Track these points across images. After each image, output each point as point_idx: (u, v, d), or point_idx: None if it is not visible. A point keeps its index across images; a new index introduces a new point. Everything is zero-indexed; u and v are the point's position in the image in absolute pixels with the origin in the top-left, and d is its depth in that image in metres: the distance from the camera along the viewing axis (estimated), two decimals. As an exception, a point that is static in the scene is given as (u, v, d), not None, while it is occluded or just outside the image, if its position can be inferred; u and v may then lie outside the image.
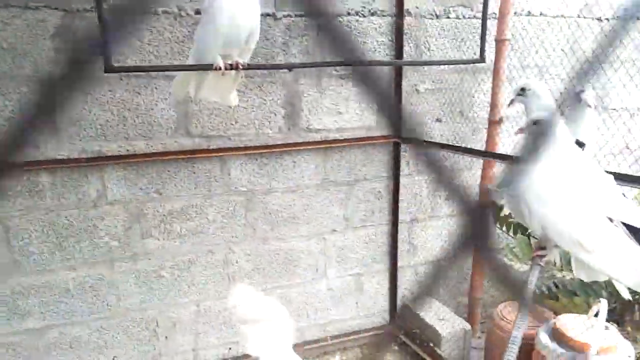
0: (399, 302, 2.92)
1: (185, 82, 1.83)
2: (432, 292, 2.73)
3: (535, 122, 1.18)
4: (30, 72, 2.00)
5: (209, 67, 1.64)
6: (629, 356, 1.59)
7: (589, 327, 1.59)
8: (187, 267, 2.45)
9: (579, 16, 2.78)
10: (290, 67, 2.02)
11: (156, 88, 2.18)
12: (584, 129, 1.56)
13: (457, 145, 2.25)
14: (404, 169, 2.69)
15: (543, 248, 1.34)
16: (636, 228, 1.17)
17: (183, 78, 1.82)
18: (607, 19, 2.80)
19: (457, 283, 2.99)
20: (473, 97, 2.64)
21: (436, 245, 2.93)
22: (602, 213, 1.17)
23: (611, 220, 1.18)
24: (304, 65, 2.10)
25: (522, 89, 1.30)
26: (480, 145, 2.62)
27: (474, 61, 1.70)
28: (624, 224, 1.18)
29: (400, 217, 2.75)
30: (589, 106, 1.53)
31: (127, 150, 2.22)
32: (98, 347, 2.39)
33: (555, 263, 2.19)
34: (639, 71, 2.42)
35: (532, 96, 1.28)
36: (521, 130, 1.23)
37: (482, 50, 1.72)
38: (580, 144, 1.49)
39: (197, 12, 2.10)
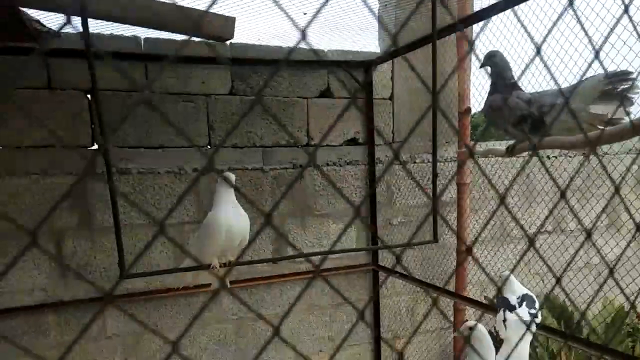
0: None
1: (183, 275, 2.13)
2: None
3: (489, 56, 1.59)
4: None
5: (206, 268, 1.90)
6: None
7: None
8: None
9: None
10: (274, 261, 2.33)
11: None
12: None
13: (428, 282, 2.50)
14: (384, 292, 2.90)
15: None
16: None
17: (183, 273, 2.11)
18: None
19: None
20: (442, 226, 2.92)
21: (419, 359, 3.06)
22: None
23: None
24: (282, 258, 2.45)
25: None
26: (452, 269, 2.87)
27: (429, 242, 2.01)
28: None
29: (383, 335, 2.92)
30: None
31: (127, 289, 2.43)
32: None
33: None
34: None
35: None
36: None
37: (435, 233, 2.04)
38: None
39: (195, 170, 2.43)
